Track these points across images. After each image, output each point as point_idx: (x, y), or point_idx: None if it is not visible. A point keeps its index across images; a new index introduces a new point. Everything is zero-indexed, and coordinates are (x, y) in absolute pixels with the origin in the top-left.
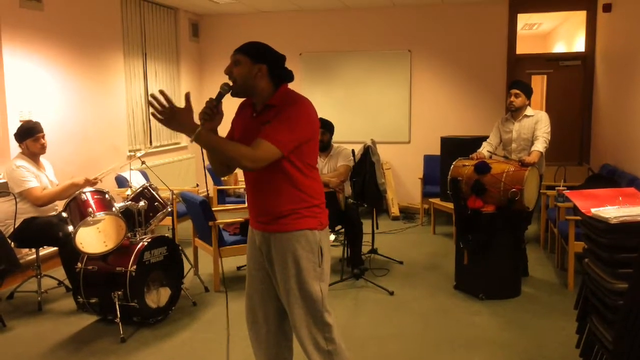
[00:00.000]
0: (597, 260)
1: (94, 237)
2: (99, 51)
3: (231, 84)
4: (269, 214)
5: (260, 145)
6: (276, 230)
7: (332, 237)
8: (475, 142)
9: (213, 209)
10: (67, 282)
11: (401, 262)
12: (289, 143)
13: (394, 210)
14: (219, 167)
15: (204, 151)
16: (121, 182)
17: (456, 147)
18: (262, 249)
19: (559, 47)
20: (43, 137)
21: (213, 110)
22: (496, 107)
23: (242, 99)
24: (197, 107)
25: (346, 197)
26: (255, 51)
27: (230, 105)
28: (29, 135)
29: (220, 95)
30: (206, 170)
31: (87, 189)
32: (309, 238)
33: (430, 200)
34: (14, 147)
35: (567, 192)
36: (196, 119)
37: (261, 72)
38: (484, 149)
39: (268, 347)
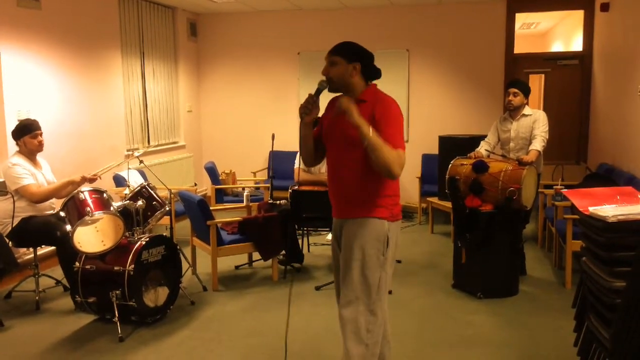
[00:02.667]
0: (595, 259)
1: (92, 237)
2: (97, 50)
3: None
4: (345, 199)
5: (400, 155)
6: (348, 216)
7: (329, 236)
8: (473, 141)
9: (211, 208)
10: (64, 281)
11: (399, 261)
12: (403, 141)
13: None
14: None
15: (202, 149)
16: (119, 181)
17: (454, 146)
18: (337, 235)
19: (557, 47)
20: (41, 134)
21: (313, 105)
22: (494, 106)
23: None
24: (197, 109)
25: None
26: (349, 51)
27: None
28: (27, 132)
29: (319, 91)
30: (204, 169)
31: (85, 188)
32: (377, 227)
33: (429, 199)
34: (12, 147)
35: (564, 191)
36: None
37: (356, 69)
38: (482, 148)
39: None
